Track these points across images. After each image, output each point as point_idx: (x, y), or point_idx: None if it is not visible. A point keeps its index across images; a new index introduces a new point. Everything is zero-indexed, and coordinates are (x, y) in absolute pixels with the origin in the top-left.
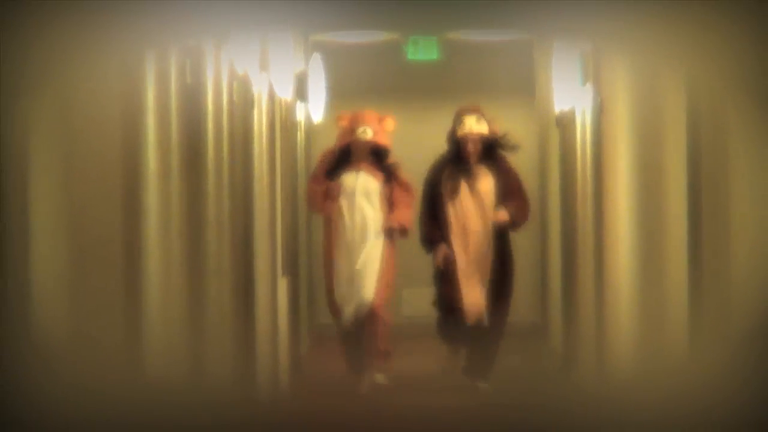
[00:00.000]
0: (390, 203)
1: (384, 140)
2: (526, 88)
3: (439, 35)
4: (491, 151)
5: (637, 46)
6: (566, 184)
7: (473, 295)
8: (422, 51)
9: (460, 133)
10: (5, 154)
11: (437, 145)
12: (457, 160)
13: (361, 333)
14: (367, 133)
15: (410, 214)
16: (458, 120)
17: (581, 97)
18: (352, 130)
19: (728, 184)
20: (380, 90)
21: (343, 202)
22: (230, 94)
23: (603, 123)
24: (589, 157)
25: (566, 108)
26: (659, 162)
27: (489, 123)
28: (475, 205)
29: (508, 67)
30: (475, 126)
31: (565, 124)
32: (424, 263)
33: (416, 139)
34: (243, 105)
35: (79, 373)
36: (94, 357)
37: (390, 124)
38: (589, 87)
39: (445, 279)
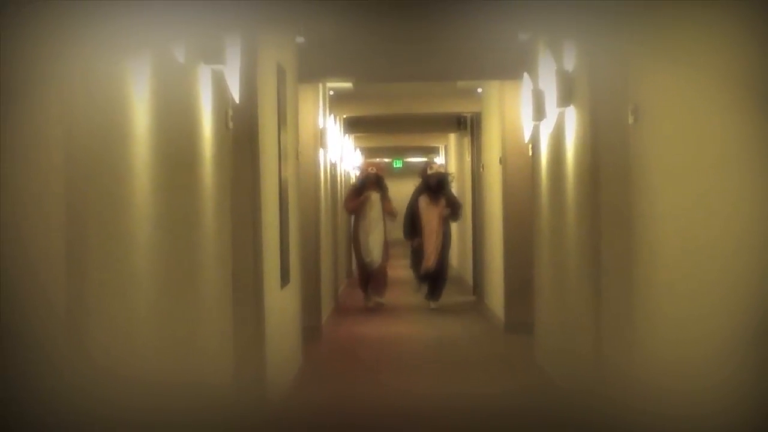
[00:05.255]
0: (383, 204)
1: (381, 174)
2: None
3: (402, 159)
4: (443, 183)
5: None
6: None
7: (431, 254)
8: (398, 164)
9: (429, 172)
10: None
11: (405, 188)
12: (426, 188)
13: (372, 275)
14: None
15: (391, 207)
16: (428, 167)
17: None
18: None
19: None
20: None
21: (363, 206)
22: (330, 167)
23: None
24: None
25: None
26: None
27: (443, 170)
28: (434, 211)
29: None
30: (435, 169)
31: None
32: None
33: (395, 186)
34: (333, 170)
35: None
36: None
37: (382, 167)
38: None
39: (417, 251)
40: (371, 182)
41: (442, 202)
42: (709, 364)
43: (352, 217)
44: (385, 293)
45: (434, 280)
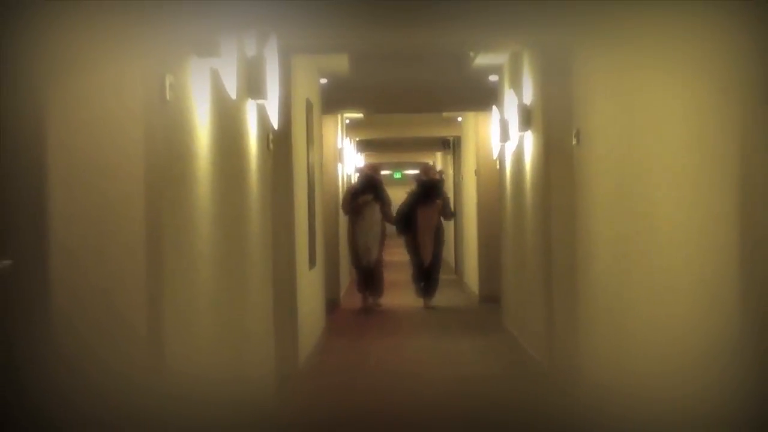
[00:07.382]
0: (380, 207)
1: (378, 177)
2: None
3: (401, 172)
4: (437, 187)
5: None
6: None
7: (426, 251)
8: (397, 175)
9: (424, 178)
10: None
11: (403, 194)
12: (422, 193)
13: (368, 275)
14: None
15: (391, 214)
16: (422, 171)
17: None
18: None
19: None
20: (387, 181)
21: (360, 208)
22: (347, 177)
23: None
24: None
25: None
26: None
27: (437, 173)
28: (429, 213)
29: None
30: (430, 174)
31: None
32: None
33: (394, 192)
34: (349, 180)
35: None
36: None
37: (380, 170)
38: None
39: (413, 247)
40: (369, 185)
41: (438, 204)
42: (637, 336)
43: (347, 219)
44: (382, 295)
45: (428, 278)
